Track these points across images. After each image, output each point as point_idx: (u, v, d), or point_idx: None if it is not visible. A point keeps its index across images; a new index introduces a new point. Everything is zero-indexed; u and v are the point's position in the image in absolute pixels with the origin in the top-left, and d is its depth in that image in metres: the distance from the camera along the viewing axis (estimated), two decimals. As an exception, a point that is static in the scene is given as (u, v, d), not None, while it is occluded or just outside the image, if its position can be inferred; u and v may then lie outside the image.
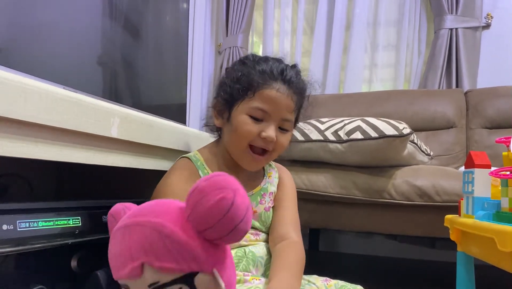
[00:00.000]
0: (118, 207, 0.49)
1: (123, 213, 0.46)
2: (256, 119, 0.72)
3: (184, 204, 0.40)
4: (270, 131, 0.71)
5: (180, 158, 0.79)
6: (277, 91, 0.72)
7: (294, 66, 0.77)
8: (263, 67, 0.73)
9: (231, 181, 0.38)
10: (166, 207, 0.41)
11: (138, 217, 0.40)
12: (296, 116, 0.80)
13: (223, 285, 0.39)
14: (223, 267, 0.40)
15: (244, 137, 0.72)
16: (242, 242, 0.76)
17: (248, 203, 0.38)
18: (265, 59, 0.76)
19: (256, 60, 0.76)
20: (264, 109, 0.71)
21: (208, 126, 0.85)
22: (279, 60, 0.76)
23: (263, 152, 0.75)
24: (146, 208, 0.42)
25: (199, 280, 0.38)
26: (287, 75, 0.73)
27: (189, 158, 0.78)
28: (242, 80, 0.73)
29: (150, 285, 0.38)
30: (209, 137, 0.89)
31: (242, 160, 0.75)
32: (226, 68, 0.82)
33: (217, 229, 0.37)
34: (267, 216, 0.81)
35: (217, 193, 0.36)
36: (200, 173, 0.75)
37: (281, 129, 0.75)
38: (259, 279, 0.68)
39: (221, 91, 0.78)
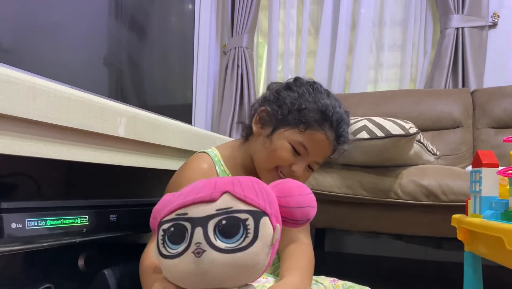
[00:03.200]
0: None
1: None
2: (295, 151, 0.73)
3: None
4: (300, 167, 0.73)
5: (198, 153, 0.80)
6: (326, 139, 0.73)
7: (347, 112, 0.78)
8: (325, 106, 0.73)
9: None
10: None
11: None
12: None
13: (274, 240, 0.45)
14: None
15: (277, 161, 0.74)
16: None
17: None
18: (328, 94, 0.76)
19: (319, 91, 0.76)
20: (307, 148, 0.73)
21: (242, 123, 0.85)
22: (337, 101, 0.76)
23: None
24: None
25: (264, 222, 0.44)
26: (341, 127, 0.74)
27: (207, 153, 0.78)
28: (300, 111, 0.73)
29: (218, 210, 0.44)
30: (215, 137, 0.89)
31: (265, 175, 0.76)
32: (288, 84, 0.78)
33: (294, 200, 0.48)
34: None
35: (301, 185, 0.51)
36: (217, 168, 0.76)
37: (309, 167, 0.76)
38: (265, 278, 0.68)
39: (274, 106, 0.76)
